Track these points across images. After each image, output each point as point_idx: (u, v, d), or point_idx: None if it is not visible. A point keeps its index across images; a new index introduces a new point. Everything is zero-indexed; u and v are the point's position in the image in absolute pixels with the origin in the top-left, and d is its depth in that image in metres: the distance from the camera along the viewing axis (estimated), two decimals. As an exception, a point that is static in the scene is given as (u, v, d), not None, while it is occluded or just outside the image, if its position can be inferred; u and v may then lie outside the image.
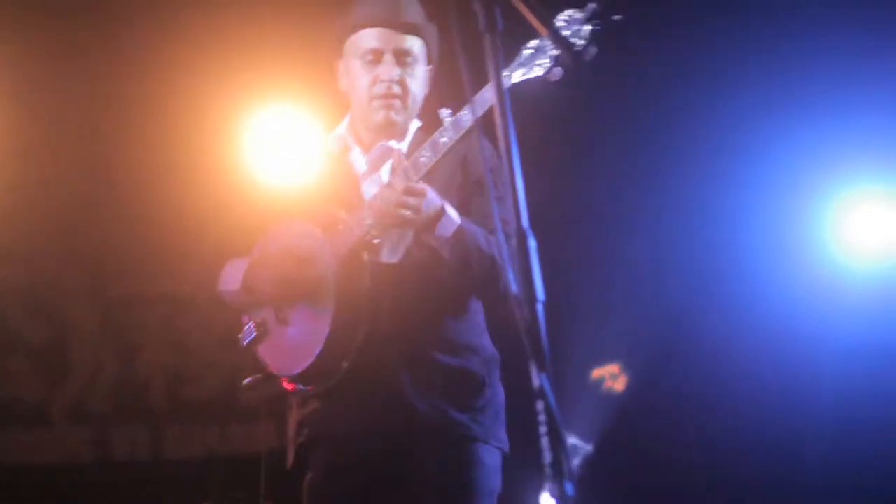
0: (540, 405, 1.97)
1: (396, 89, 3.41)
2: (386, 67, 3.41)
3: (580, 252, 5.91)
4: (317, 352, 3.26)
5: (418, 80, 3.47)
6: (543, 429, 1.97)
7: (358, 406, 3.31)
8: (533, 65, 3.11)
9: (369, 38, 3.44)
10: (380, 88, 3.41)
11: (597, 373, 1.60)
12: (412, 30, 3.43)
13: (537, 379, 1.98)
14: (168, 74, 5.80)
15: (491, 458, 3.38)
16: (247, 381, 3.51)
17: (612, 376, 1.53)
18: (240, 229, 3.56)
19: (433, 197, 3.19)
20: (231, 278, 3.52)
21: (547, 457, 1.95)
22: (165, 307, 6.60)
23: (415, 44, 3.44)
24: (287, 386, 3.41)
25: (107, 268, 6.46)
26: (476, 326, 3.46)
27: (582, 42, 3.00)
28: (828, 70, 5.64)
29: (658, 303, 6.01)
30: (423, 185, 3.18)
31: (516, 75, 3.13)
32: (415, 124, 3.53)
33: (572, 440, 5.64)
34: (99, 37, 5.82)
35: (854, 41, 5.57)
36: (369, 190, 3.41)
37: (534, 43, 3.09)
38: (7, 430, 6.27)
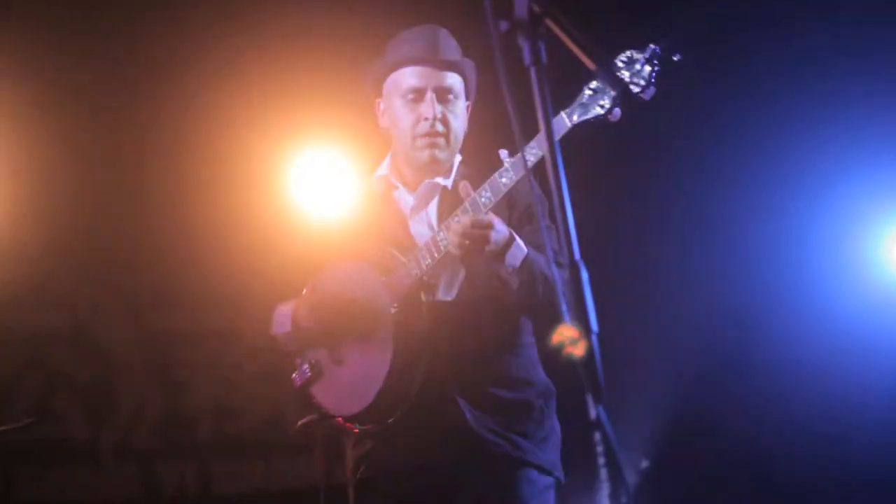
0: (597, 436, 1.97)
1: (440, 127, 3.42)
2: (428, 105, 3.41)
3: (636, 265, 5.94)
4: (376, 392, 3.27)
5: (459, 116, 3.48)
6: (602, 459, 1.97)
7: (416, 442, 3.30)
8: (594, 105, 3.10)
9: (409, 76, 3.45)
10: (423, 127, 3.42)
11: (555, 338, 1.61)
12: (451, 67, 3.44)
13: (594, 410, 1.98)
14: (216, 112, 5.85)
15: (546, 486, 3.38)
16: (301, 421, 3.50)
17: (571, 341, 1.54)
18: (287, 266, 3.57)
19: (501, 227, 3.19)
20: (285, 320, 3.52)
21: (606, 487, 1.95)
22: (210, 342, 6.62)
23: (455, 80, 3.45)
24: (345, 426, 3.41)
25: (151, 304, 6.49)
26: (530, 360, 3.46)
27: (642, 83, 3.02)
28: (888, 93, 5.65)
29: (713, 319, 6.03)
30: (490, 217, 3.18)
31: (576, 116, 3.12)
32: (457, 159, 3.54)
33: (629, 456, 5.65)
34: (148, 75, 5.87)
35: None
36: (418, 228, 3.44)
37: (594, 84, 3.09)
38: (56, 470, 6.29)
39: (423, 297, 3.29)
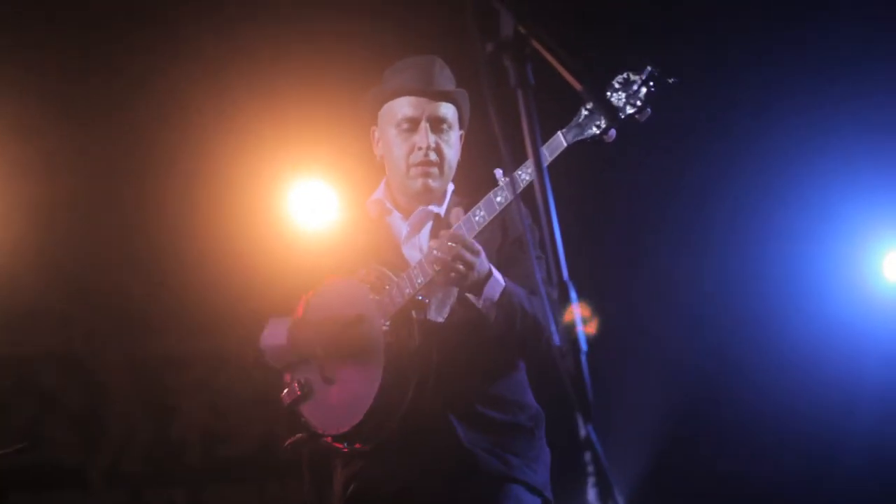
0: (587, 455, 1.97)
1: (433, 157, 3.45)
2: (422, 136, 3.44)
3: (627, 281, 5.96)
4: (366, 410, 3.27)
5: (453, 146, 3.50)
6: (592, 479, 1.97)
7: (407, 461, 3.31)
8: (591, 125, 3.10)
9: (404, 106, 3.47)
10: (417, 157, 3.45)
11: (567, 319, 1.61)
12: (445, 97, 3.47)
13: (584, 429, 1.98)
14: (211, 137, 5.86)
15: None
16: (290, 440, 3.50)
17: (583, 321, 1.56)
18: (279, 289, 3.59)
19: (484, 259, 3.21)
20: (275, 334, 3.53)
21: (597, 507, 1.95)
22: (200, 367, 6.62)
23: (448, 110, 3.48)
24: (334, 445, 3.40)
25: (142, 328, 6.48)
26: (520, 384, 3.47)
27: (639, 104, 3.03)
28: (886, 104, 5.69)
29: (704, 333, 6.04)
30: (478, 246, 3.20)
31: (572, 135, 3.13)
32: (450, 187, 3.57)
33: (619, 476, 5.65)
34: (141, 97, 5.88)
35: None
36: (410, 253, 3.47)
37: (590, 105, 3.09)
38: (46, 495, 6.28)
39: (414, 315, 3.30)
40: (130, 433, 6.50)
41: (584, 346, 1.99)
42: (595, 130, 3.09)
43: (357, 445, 3.37)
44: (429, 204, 3.51)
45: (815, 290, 5.99)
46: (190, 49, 5.70)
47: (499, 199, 3.22)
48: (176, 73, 5.75)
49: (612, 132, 3.09)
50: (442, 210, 3.51)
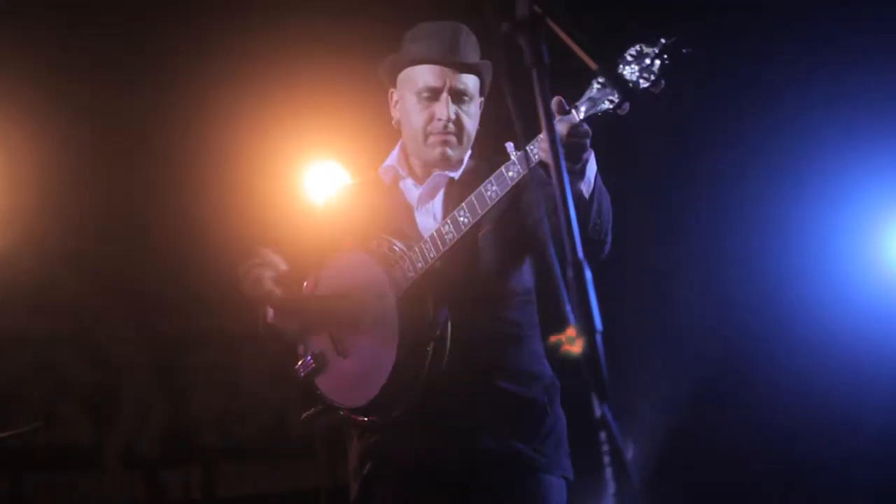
0: (602, 435, 1.97)
1: (452, 127, 3.40)
2: (442, 106, 3.39)
3: (639, 268, 5.95)
4: (382, 383, 3.25)
5: (473, 117, 3.45)
6: (607, 458, 1.97)
7: (422, 438, 3.29)
8: (603, 99, 3.01)
9: (426, 74, 3.41)
10: (437, 126, 3.40)
11: (553, 339, 1.61)
12: (469, 69, 3.42)
13: (599, 409, 1.98)
14: (225, 117, 5.87)
15: (555, 488, 3.34)
16: (306, 413, 3.49)
17: (568, 340, 1.54)
18: (289, 257, 3.51)
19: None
20: (287, 311, 3.50)
21: (612, 486, 1.95)
22: (214, 347, 6.64)
23: (471, 81, 3.42)
24: (351, 417, 3.40)
25: (155, 309, 6.50)
26: (535, 353, 3.41)
27: (652, 77, 2.95)
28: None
29: (716, 317, 6.03)
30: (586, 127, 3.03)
31: (583, 109, 3.03)
32: (466, 153, 3.51)
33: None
34: (157, 78, 5.88)
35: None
36: (423, 220, 3.42)
37: (602, 79, 3.00)
38: (61, 475, 6.31)
39: (427, 288, 3.27)
40: (145, 413, 6.52)
41: (599, 325, 1.99)
42: (608, 105, 3.01)
43: (373, 419, 3.35)
44: (445, 170, 3.45)
45: (830, 279, 5.96)
46: (202, 35, 5.70)
47: (510, 173, 3.15)
48: (187, 61, 5.75)
49: (626, 106, 3.01)
50: (457, 174, 3.45)
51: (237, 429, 6.63)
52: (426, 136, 3.42)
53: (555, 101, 2.99)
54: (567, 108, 3.01)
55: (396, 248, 3.34)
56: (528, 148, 3.07)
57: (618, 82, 2.56)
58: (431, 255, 3.26)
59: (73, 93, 5.79)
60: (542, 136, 2.96)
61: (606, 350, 1.99)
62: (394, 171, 3.53)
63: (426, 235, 3.31)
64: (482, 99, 3.51)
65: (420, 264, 3.27)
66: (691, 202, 6.06)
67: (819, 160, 5.83)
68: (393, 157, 3.55)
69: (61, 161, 5.89)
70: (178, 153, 6.02)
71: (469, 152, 3.51)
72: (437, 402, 3.24)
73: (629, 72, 2.98)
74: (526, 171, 3.11)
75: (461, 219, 3.23)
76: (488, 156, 3.41)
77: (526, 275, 3.46)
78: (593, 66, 2.08)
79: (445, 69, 3.40)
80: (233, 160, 5.94)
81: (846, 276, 5.97)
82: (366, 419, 3.36)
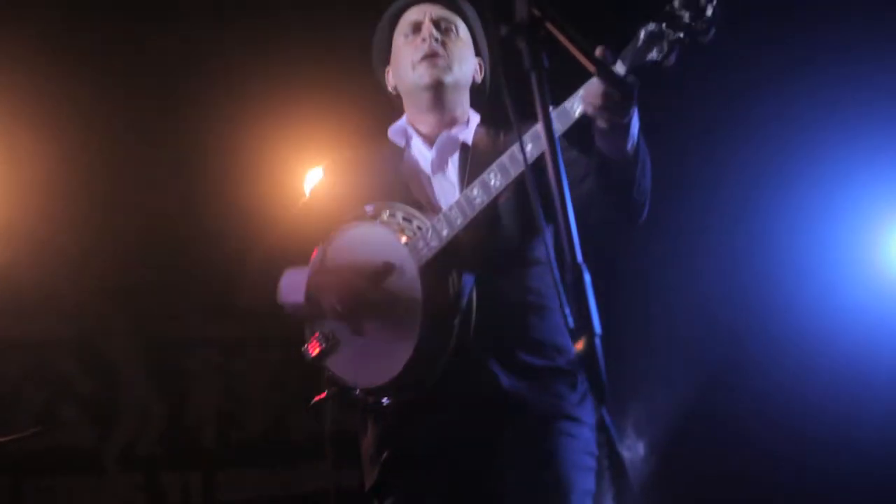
0: (601, 438, 1.97)
1: (437, 46, 3.30)
2: (426, 30, 3.32)
3: (635, 274, 5.94)
4: (405, 360, 3.07)
5: (464, 51, 3.36)
6: (606, 461, 1.97)
7: (449, 413, 3.11)
8: (651, 50, 2.80)
9: (408, 16, 3.40)
10: (421, 49, 3.31)
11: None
12: (452, 6, 3.38)
13: (597, 412, 1.98)
14: (223, 124, 5.87)
15: (587, 439, 3.11)
16: (317, 397, 3.31)
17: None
18: (296, 236, 3.39)
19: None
20: (293, 289, 3.31)
21: (611, 488, 1.95)
22: (214, 351, 6.64)
23: (455, 20, 3.37)
24: (366, 400, 3.22)
25: (155, 313, 6.50)
26: (559, 326, 3.21)
27: (704, 25, 2.75)
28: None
29: (712, 324, 6.02)
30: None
31: (629, 60, 2.82)
32: (474, 117, 3.41)
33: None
34: (156, 85, 5.89)
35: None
36: (441, 186, 3.30)
37: (652, 27, 2.80)
38: (61, 479, 6.30)
39: (450, 258, 3.10)
40: (145, 417, 6.52)
41: (598, 329, 1.99)
42: (655, 56, 2.79)
43: (393, 399, 3.17)
44: (451, 126, 3.34)
45: (827, 282, 5.95)
46: (196, 26, 5.70)
47: (494, 182, 3.04)
48: (187, 70, 5.76)
49: (673, 57, 2.80)
50: (469, 136, 3.33)
51: (237, 432, 6.63)
52: (414, 66, 3.33)
53: (598, 50, 2.76)
54: (611, 59, 2.83)
55: (415, 217, 3.18)
56: (565, 105, 2.90)
57: (617, 85, 2.50)
58: (458, 222, 3.09)
59: (73, 99, 5.79)
60: (585, 87, 2.85)
61: (606, 354, 1.99)
62: (404, 130, 3.42)
63: (445, 203, 3.18)
64: (480, 60, 3.43)
65: (445, 231, 3.11)
66: (680, 203, 6.04)
67: (813, 163, 5.83)
68: (402, 119, 3.45)
69: (62, 168, 5.90)
70: (178, 159, 6.03)
71: (477, 116, 3.42)
72: (461, 378, 3.08)
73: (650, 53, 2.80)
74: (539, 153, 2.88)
75: (492, 182, 3.06)
76: (499, 124, 3.33)
77: (549, 242, 3.22)
78: (592, 68, 2.08)
79: (425, 5, 3.37)
80: (233, 165, 5.95)
81: (840, 279, 5.95)
82: (384, 400, 3.18)
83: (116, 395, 6.50)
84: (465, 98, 3.42)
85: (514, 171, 3.03)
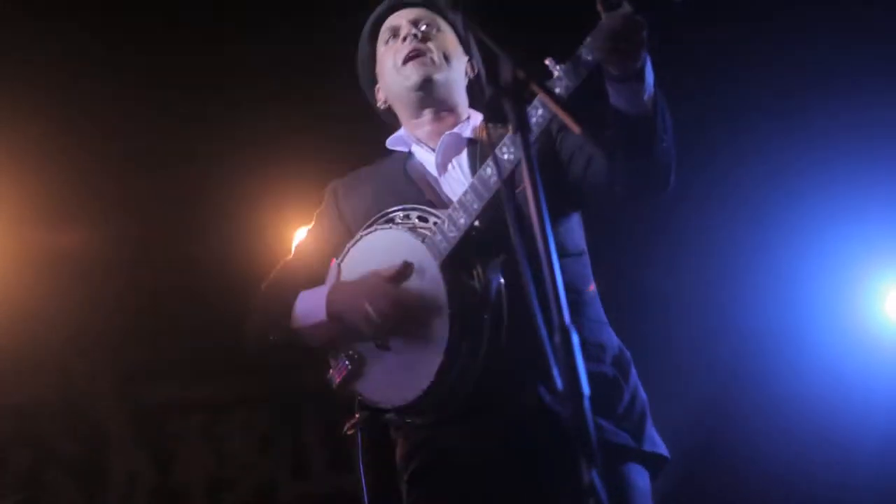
0: (591, 503, 1.95)
1: (420, 44, 3.20)
2: (405, 30, 3.24)
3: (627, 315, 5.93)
4: (436, 368, 2.85)
5: (448, 43, 3.27)
6: (596, 526, 1.94)
7: (485, 426, 2.92)
8: None
9: (387, 22, 3.33)
10: (403, 50, 3.22)
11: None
12: (430, 7, 3.31)
13: (587, 475, 1.96)
14: (218, 184, 5.87)
15: (641, 476, 2.99)
16: (350, 423, 3.07)
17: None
18: (304, 261, 3.29)
19: None
20: (310, 311, 3.11)
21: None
22: (201, 413, 6.60)
23: (435, 18, 3.29)
24: (400, 421, 3.05)
25: (142, 376, 6.48)
26: (596, 321, 3.08)
27: None
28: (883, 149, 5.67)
29: (707, 374, 6.00)
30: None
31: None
32: (476, 115, 3.28)
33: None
34: (143, 147, 5.89)
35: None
36: (451, 186, 3.14)
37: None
38: (48, 545, 6.25)
39: (472, 251, 2.91)
40: (132, 481, 6.47)
41: (586, 390, 1.97)
42: None
43: (427, 415, 2.96)
44: (451, 126, 3.21)
45: (814, 331, 5.96)
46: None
47: (558, 90, 2.74)
48: (179, 132, 5.77)
49: None
50: (472, 132, 3.19)
51: (226, 496, 6.57)
52: (399, 69, 3.23)
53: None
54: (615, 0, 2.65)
55: (431, 215, 3.01)
56: (577, 53, 2.71)
57: (600, 147, 2.42)
58: (475, 206, 2.89)
59: (57, 157, 5.79)
60: (593, 34, 2.67)
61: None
62: (403, 139, 3.30)
63: (467, 186, 2.97)
64: (469, 58, 3.31)
65: (463, 220, 2.91)
66: (686, 254, 6.05)
67: (813, 203, 5.85)
68: (400, 129, 3.33)
69: (44, 235, 5.89)
70: (163, 220, 6.01)
71: (480, 116, 3.27)
72: (498, 387, 2.87)
73: None
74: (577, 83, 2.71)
75: (505, 156, 2.83)
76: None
77: (577, 232, 3.16)
78: (577, 130, 2.08)
79: (401, 10, 3.29)
80: (222, 226, 5.93)
81: (837, 323, 5.98)
82: (418, 418, 2.99)
83: (103, 458, 6.45)
84: (461, 95, 3.30)
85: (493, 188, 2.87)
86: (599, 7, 2.44)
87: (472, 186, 2.92)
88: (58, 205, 5.89)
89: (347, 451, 6.57)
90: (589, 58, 2.68)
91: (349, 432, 3.08)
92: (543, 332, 2.01)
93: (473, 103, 3.34)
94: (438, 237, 2.94)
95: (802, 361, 5.89)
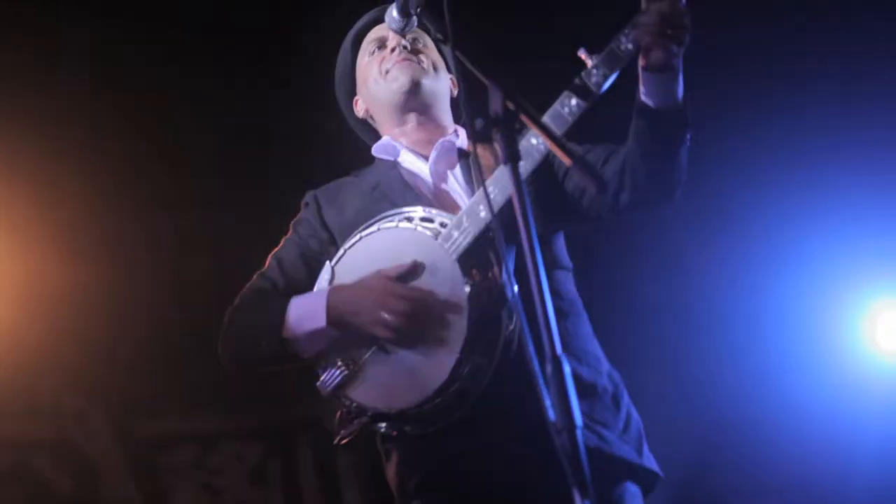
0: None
1: (409, 54, 3.17)
2: (393, 41, 3.20)
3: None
4: (449, 369, 2.76)
5: (435, 56, 3.23)
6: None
7: (490, 435, 2.84)
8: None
9: (372, 34, 3.29)
10: (391, 58, 3.18)
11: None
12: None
13: (581, 505, 1.95)
14: (212, 216, 5.87)
15: (638, 494, 2.96)
16: (344, 431, 2.92)
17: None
18: (290, 276, 3.19)
19: None
20: (306, 318, 2.95)
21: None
22: (193, 447, 6.57)
23: (420, 34, 3.23)
24: (398, 425, 2.91)
25: (132, 411, 6.44)
26: (587, 334, 3.06)
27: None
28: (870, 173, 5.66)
29: (686, 403, 5.95)
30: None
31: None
32: (462, 130, 3.23)
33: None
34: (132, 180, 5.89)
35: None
36: (449, 193, 3.09)
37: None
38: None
39: (487, 250, 2.84)
40: (124, 516, 6.43)
41: (579, 422, 1.97)
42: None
43: (424, 424, 2.85)
44: (441, 135, 3.17)
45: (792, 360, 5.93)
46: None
47: (594, 79, 2.74)
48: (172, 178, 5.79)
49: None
50: (464, 144, 3.13)
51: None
52: (385, 74, 3.19)
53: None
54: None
55: (436, 216, 2.92)
56: (612, 46, 2.70)
57: (589, 174, 2.42)
58: (499, 200, 2.78)
59: (51, 205, 5.80)
60: (638, 20, 2.67)
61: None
62: (390, 146, 3.22)
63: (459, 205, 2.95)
64: (453, 77, 3.29)
65: (483, 213, 2.81)
66: (666, 285, 6.03)
67: (798, 248, 5.85)
68: (385, 137, 3.26)
69: (38, 270, 5.87)
70: (157, 252, 6.01)
71: (464, 132, 3.22)
72: (503, 389, 2.78)
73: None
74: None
75: (534, 143, 2.80)
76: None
77: (565, 248, 3.15)
78: (567, 161, 2.09)
79: (385, 23, 3.12)
80: (215, 260, 5.93)
81: (821, 364, 5.93)
82: (418, 429, 2.87)
83: (96, 494, 6.41)
84: (446, 107, 3.27)
85: (539, 156, 2.79)
86: (567, 160, 2.30)
87: (493, 180, 2.82)
88: (54, 242, 5.89)
89: (340, 483, 6.57)
90: (629, 46, 2.69)
91: (342, 442, 2.93)
92: (536, 366, 1.99)
93: (457, 120, 3.30)
94: (455, 233, 2.84)
95: (784, 394, 5.84)
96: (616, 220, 3.11)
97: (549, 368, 2.01)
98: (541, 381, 2.02)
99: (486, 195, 2.77)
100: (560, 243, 3.11)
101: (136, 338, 6.16)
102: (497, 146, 2.17)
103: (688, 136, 2.79)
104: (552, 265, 3.00)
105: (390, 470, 3.00)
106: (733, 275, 5.90)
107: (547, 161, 2.87)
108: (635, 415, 3.01)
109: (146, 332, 6.13)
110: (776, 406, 5.86)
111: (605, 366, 3.01)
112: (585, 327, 3.05)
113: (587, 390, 2.87)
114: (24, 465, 6.29)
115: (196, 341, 5.78)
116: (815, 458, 5.80)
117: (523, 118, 2.16)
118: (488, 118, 2.14)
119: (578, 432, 1.97)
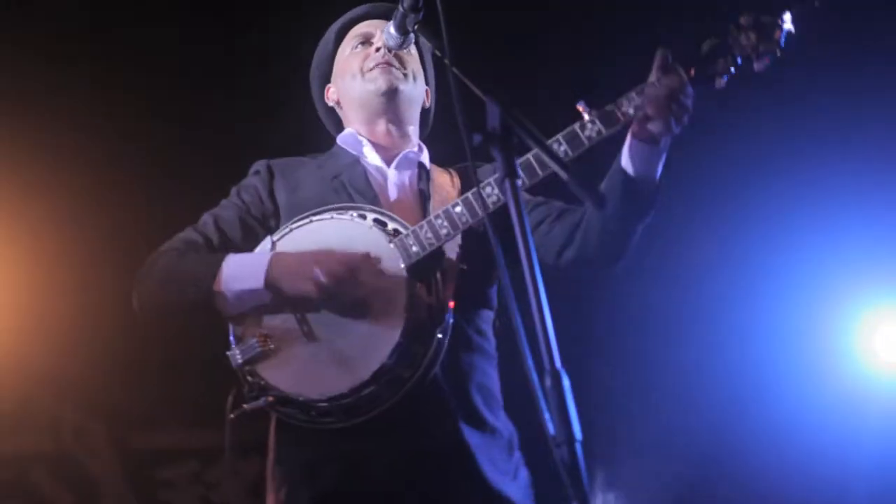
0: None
1: (391, 58, 3.19)
2: (378, 41, 3.20)
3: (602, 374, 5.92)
4: (374, 368, 2.78)
5: (415, 65, 3.28)
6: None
7: (399, 441, 2.87)
8: (718, 63, 2.78)
9: (359, 28, 3.32)
10: (376, 57, 3.20)
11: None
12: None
13: (580, 519, 1.96)
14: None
15: None
16: (248, 405, 2.88)
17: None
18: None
19: None
20: (242, 275, 2.94)
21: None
22: (191, 461, 6.56)
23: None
24: (309, 414, 2.88)
25: (131, 424, 6.44)
26: (497, 381, 3.12)
27: (769, 47, 2.76)
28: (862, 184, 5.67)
29: (682, 423, 5.96)
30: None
31: (695, 71, 2.77)
32: (423, 147, 3.29)
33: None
34: (124, 197, 5.90)
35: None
36: (400, 203, 3.13)
37: (714, 41, 2.78)
38: None
39: (435, 268, 2.90)
40: (125, 531, 6.43)
41: (578, 435, 1.98)
42: (722, 67, 2.76)
43: (336, 417, 2.85)
44: (404, 144, 3.21)
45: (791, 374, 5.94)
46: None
47: (587, 132, 2.83)
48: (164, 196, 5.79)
49: (764, 62, 2.76)
50: (426, 160, 3.20)
51: (218, 543, 6.54)
52: (365, 73, 3.22)
53: (660, 55, 2.77)
54: (670, 60, 2.75)
55: (390, 220, 2.96)
56: (618, 103, 2.79)
57: (587, 191, 2.46)
58: (462, 220, 2.89)
59: (52, 220, 5.81)
60: (648, 87, 2.75)
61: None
62: (354, 138, 3.27)
63: (409, 219, 2.98)
64: (429, 89, 3.36)
65: (445, 231, 2.90)
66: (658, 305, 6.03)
67: (793, 259, 5.86)
68: (350, 129, 3.31)
69: (37, 284, 5.87)
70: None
71: (424, 148, 3.29)
72: (420, 405, 2.86)
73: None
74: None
75: (488, 194, 2.89)
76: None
77: (496, 295, 3.19)
78: (564, 176, 2.10)
79: (377, 20, 3.26)
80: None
81: (817, 379, 5.93)
82: (330, 422, 2.86)
83: (96, 508, 6.41)
84: (416, 117, 3.31)
85: (542, 171, 2.83)
86: (657, 67, 2.50)
87: (465, 201, 2.90)
88: (55, 258, 5.89)
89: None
90: (629, 111, 2.77)
91: (239, 414, 2.90)
92: (535, 379, 2.00)
93: (423, 134, 3.36)
94: (411, 241, 2.89)
95: (780, 411, 5.85)
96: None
97: (548, 382, 2.01)
98: (540, 395, 2.02)
99: (487, 216, 2.82)
100: (496, 287, 3.15)
101: (136, 352, 6.16)
102: (493, 162, 2.18)
103: (650, 215, 2.88)
104: (483, 304, 3.09)
105: (279, 465, 3.02)
106: (726, 285, 5.91)
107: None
108: (525, 469, 3.06)
109: (145, 347, 6.13)
110: (772, 417, 5.85)
111: (503, 414, 3.06)
112: (496, 371, 3.10)
113: (488, 430, 2.96)
114: (23, 478, 6.29)
115: (195, 356, 5.81)
116: (812, 469, 5.80)
117: (521, 134, 2.17)
118: (487, 133, 2.15)
119: (578, 446, 1.97)
